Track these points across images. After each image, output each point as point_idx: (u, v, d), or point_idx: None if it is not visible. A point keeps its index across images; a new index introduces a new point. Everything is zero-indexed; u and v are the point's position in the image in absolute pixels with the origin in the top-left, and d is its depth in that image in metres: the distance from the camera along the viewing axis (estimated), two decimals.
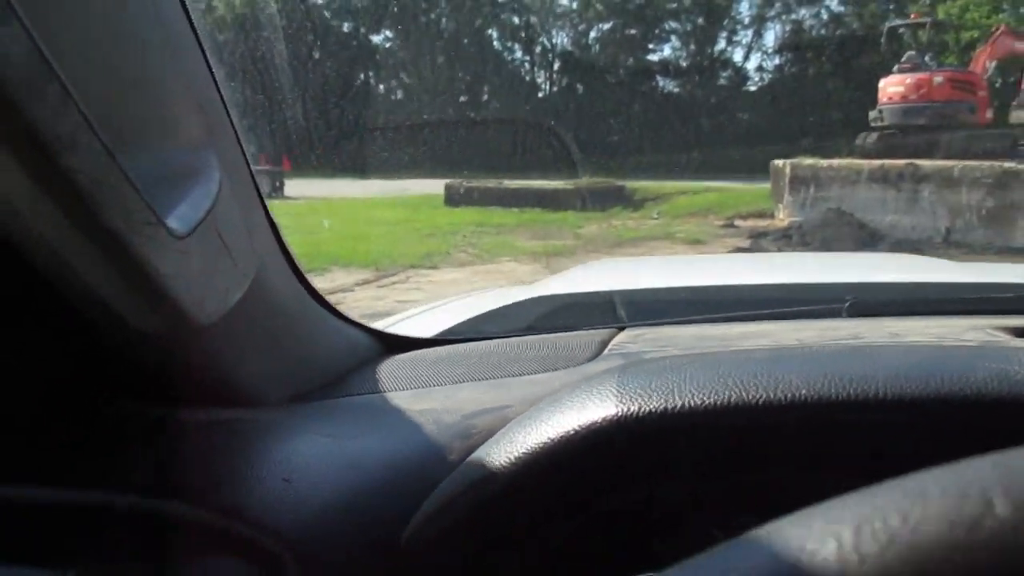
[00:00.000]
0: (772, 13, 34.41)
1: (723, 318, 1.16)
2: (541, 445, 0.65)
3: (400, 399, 0.84)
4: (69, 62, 0.44)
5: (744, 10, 36.66)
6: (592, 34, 36.02)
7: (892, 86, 14.88)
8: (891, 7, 29.20)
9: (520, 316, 1.50)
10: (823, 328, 1.05)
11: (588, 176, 17.40)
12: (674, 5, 34.57)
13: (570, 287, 1.75)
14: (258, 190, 0.76)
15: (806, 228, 12.51)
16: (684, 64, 35.30)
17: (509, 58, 36.74)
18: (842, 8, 32.93)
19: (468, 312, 1.52)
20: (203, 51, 0.64)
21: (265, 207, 0.78)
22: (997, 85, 21.54)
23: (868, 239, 11.97)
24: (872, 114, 15.12)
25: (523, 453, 0.65)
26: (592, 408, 0.65)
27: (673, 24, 35.42)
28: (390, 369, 0.95)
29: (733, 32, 35.25)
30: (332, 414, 0.81)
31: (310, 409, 0.82)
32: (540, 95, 36.26)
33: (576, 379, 0.81)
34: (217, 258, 0.62)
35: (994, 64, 15.45)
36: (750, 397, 0.62)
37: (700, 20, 34.57)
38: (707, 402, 0.63)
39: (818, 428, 0.62)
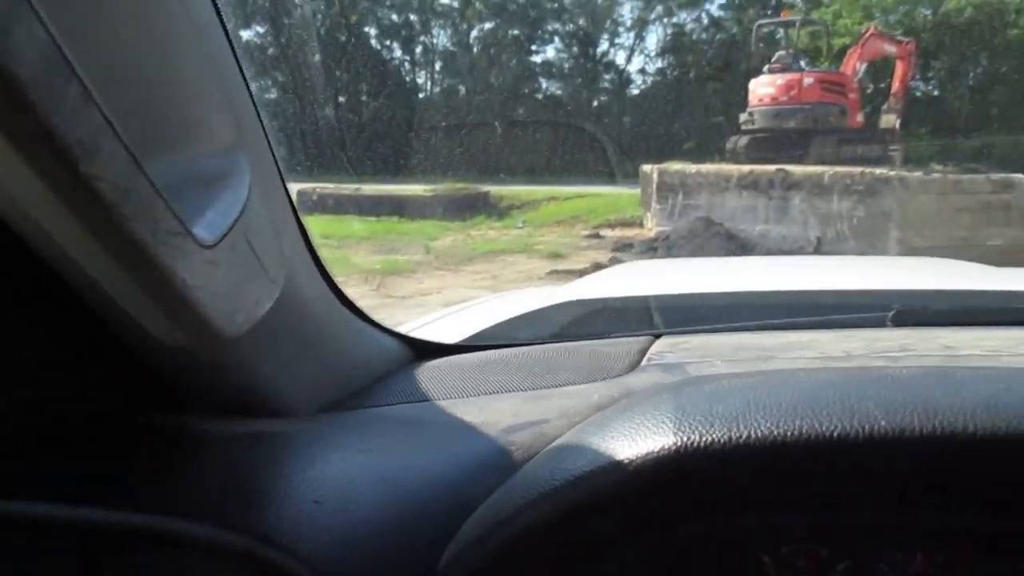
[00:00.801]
0: (653, 16, 34.21)
1: (764, 326, 1.12)
2: (590, 474, 0.60)
3: (435, 410, 0.82)
4: (92, 62, 0.41)
5: (626, 13, 36.24)
6: (474, 34, 34.99)
7: (762, 87, 14.28)
8: (769, 13, 29.27)
9: (552, 321, 1.43)
10: (869, 338, 1.01)
11: (450, 182, 16.21)
12: (555, 5, 33.93)
13: (602, 291, 1.73)
14: (288, 194, 0.73)
15: (673, 239, 11.69)
16: (567, 67, 34.80)
17: (388, 57, 35.31)
18: (722, 12, 32.98)
19: (496, 316, 1.44)
20: (234, 49, 0.61)
21: (295, 211, 0.75)
22: (869, 91, 21.64)
23: (738, 251, 11.26)
24: (743, 117, 14.53)
25: (571, 480, 0.61)
26: (648, 436, 0.60)
27: (555, 25, 34.82)
28: (423, 377, 0.92)
29: (615, 35, 34.92)
30: (365, 426, 0.79)
31: (342, 420, 0.80)
32: (421, 95, 35.06)
33: (615, 392, 0.81)
34: (247, 267, 0.59)
35: (864, 66, 15.07)
36: (824, 428, 0.57)
37: (582, 21, 34.03)
38: (776, 432, 0.57)
39: (899, 464, 0.57)
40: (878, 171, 11.29)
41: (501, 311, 1.50)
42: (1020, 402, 0.58)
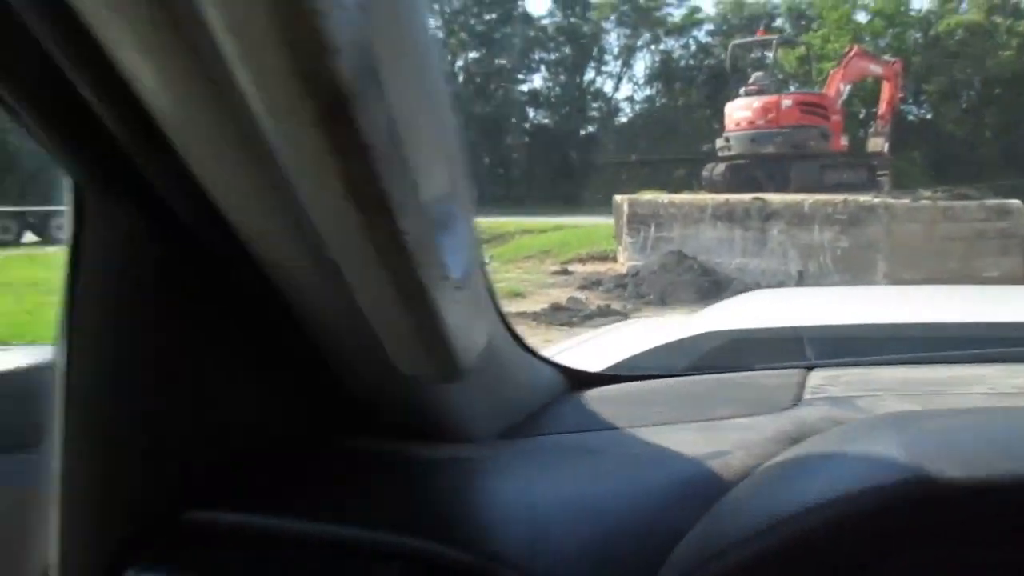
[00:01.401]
0: (640, 43, 33.68)
1: (920, 359, 1.09)
2: (818, 505, 0.60)
3: (607, 439, 0.84)
4: (412, 134, 0.46)
5: (613, 40, 35.69)
6: (459, 63, 34.46)
7: (739, 111, 13.49)
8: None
9: (692, 352, 1.48)
10: None
11: None
12: (541, 34, 33.47)
13: (736, 322, 1.74)
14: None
15: (643, 274, 10.84)
16: (554, 96, 34.24)
17: None
18: (709, 39, 32.43)
19: (633, 346, 1.49)
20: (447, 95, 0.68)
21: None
22: (861, 116, 20.90)
23: (712, 287, 10.38)
24: (719, 142, 13.71)
25: (799, 512, 0.61)
26: (878, 470, 0.61)
27: (542, 54, 34.31)
28: (587, 406, 0.94)
29: (602, 63, 34.39)
30: (547, 453, 0.81)
31: (522, 447, 0.82)
32: None
33: (787, 426, 0.81)
34: (478, 303, 0.64)
35: (848, 87, 14.30)
36: None
37: (567, 49, 33.50)
38: (1018, 472, 0.57)
39: None
40: (862, 198, 10.49)
41: (636, 341, 1.53)
42: None
